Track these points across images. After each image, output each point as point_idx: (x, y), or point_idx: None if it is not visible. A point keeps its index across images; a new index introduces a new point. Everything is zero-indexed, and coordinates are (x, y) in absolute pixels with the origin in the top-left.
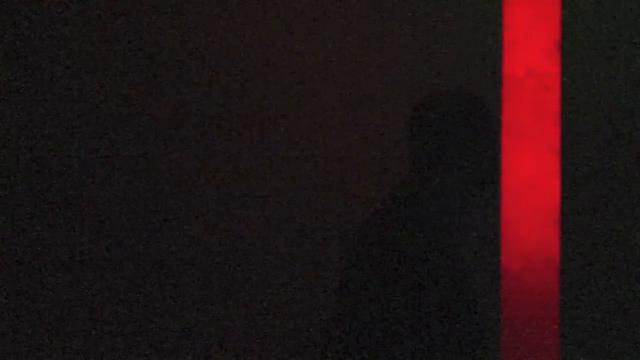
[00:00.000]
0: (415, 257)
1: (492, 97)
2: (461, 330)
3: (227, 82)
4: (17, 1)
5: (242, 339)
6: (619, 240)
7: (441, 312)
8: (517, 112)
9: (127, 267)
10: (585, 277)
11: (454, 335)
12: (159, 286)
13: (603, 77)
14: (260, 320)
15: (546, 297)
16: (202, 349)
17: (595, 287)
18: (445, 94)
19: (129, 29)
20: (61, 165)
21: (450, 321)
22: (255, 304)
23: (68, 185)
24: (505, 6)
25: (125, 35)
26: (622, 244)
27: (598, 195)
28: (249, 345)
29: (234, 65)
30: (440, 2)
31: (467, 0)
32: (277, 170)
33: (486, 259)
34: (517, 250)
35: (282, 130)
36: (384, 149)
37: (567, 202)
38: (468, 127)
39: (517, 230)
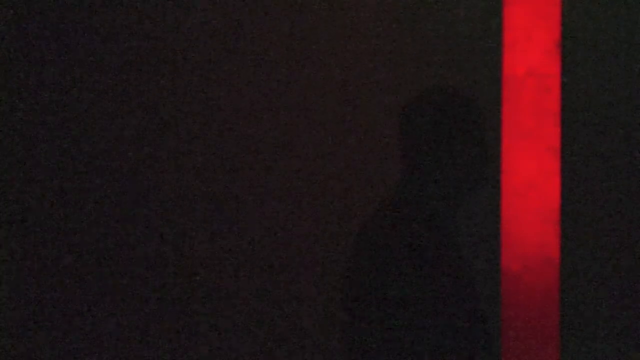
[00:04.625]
0: (415, 258)
1: (492, 97)
2: (461, 330)
3: (226, 82)
4: (18, 1)
5: (242, 339)
6: (619, 240)
7: (441, 313)
8: (517, 112)
9: (127, 267)
10: (585, 277)
11: (455, 335)
12: (158, 286)
13: (603, 77)
14: (260, 320)
15: (546, 297)
16: (201, 349)
17: (595, 287)
18: (438, 92)
19: (129, 28)
20: (60, 164)
21: (450, 321)
22: (255, 304)
23: (67, 185)
24: (505, 6)
25: (125, 34)
26: (622, 244)
27: (598, 195)
28: (250, 346)
29: (233, 65)
30: (441, 2)
31: (467, 0)
32: (276, 171)
33: (486, 259)
34: (517, 250)
35: (282, 130)
36: (384, 150)
37: (567, 202)
38: (462, 125)
39: (517, 230)
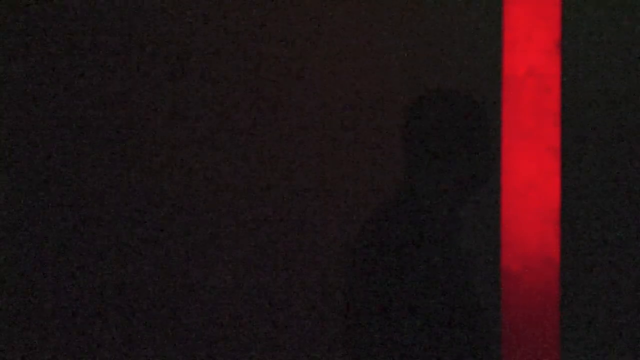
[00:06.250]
0: (415, 258)
1: (492, 97)
2: (462, 330)
3: (226, 82)
4: (18, 1)
5: (243, 339)
6: (619, 240)
7: (442, 313)
8: (517, 112)
9: (128, 267)
10: (585, 277)
11: (455, 335)
12: (159, 285)
13: (603, 77)
14: (260, 320)
15: (546, 297)
16: (202, 349)
17: (595, 287)
18: (442, 93)
19: (129, 29)
20: (61, 164)
21: (450, 321)
22: (255, 305)
23: (68, 185)
24: (505, 6)
25: (125, 34)
26: (622, 244)
27: (598, 195)
28: (250, 346)
29: (233, 65)
30: (441, 2)
31: (467, 0)
32: (277, 172)
33: (486, 259)
34: (517, 250)
35: (282, 131)
36: (384, 150)
37: (567, 202)
38: (465, 126)
39: (517, 230)
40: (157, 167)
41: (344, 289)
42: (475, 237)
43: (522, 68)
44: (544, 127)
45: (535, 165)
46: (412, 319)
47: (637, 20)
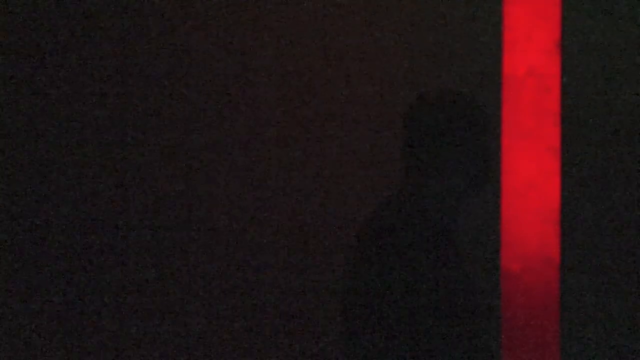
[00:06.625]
0: (415, 258)
1: (492, 97)
2: (462, 330)
3: (227, 83)
4: (18, 1)
5: (243, 338)
6: (619, 240)
7: (441, 313)
8: (517, 112)
9: (129, 268)
10: (585, 277)
11: (455, 335)
12: (161, 286)
13: (603, 77)
14: (261, 320)
15: (546, 297)
16: (203, 349)
17: (595, 287)
18: (442, 94)
19: (130, 30)
20: (63, 165)
21: (450, 321)
22: (255, 304)
23: (70, 186)
24: (505, 6)
25: (127, 35)
26: (622, 244)
27: (598, 195)
28: (250, 345)
29: (233, 66)
30: (441, 2)
31: (467, 0)
32: (277, 172)
33: (486, 259)
34: (517, 250)
35: (283, 131)
36: (384, 149)
37: (567, 202)
38: (465, 127)
39: (517, 230)
40: (157, 167)
41: (344, 289)
42: (475, 237)
43: (522, 68)
44: (544, 127)
45: (535, 165)
46: (412, 319)
47: (637, 20)
